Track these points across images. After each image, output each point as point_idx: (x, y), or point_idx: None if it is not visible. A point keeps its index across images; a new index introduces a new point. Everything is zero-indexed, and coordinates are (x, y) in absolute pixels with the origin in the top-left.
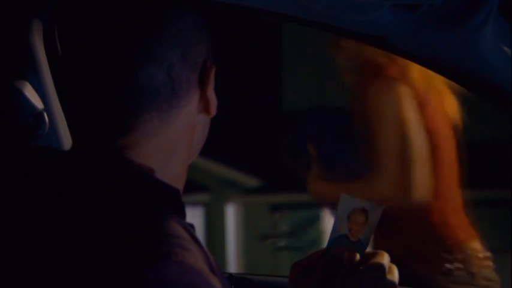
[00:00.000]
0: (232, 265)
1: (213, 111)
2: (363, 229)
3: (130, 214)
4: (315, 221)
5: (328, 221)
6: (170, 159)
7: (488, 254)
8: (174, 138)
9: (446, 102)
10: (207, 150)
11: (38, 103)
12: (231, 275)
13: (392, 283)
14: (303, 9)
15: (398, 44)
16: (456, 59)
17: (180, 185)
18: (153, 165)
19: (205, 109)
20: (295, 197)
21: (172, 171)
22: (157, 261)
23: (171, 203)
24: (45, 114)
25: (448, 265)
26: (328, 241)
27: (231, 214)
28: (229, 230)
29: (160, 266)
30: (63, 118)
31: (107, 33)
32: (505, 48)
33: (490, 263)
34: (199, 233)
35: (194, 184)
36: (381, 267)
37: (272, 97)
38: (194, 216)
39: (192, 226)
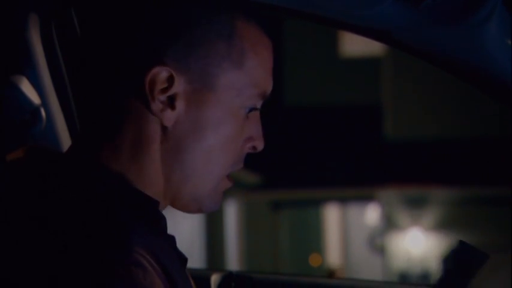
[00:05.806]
0: (233, 263)
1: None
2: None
3: (90, 223)
4: (315, 218)
5: (328, 219)
6: (159, 151)
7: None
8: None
9: None
10: None
11: (35, 99)
12: (231, 272)
13: None
14: (305, 2)
15: (401, 38)
16: (460, 53)
17: (162, 187)
18: (138, 155)
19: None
20: (296, 194)
21: (160, 166)
22: (107, 277)
23: (143, 216)
24: (42, 110)
25: None
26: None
27: (232, 211)
28: (229, 227)
29: (110, 283)
30: (61, 114)
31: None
32: (510, 43)
33: None
34: (199, 230)
35: None
36: None
37: (272, 95)
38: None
39: (172, 238)
